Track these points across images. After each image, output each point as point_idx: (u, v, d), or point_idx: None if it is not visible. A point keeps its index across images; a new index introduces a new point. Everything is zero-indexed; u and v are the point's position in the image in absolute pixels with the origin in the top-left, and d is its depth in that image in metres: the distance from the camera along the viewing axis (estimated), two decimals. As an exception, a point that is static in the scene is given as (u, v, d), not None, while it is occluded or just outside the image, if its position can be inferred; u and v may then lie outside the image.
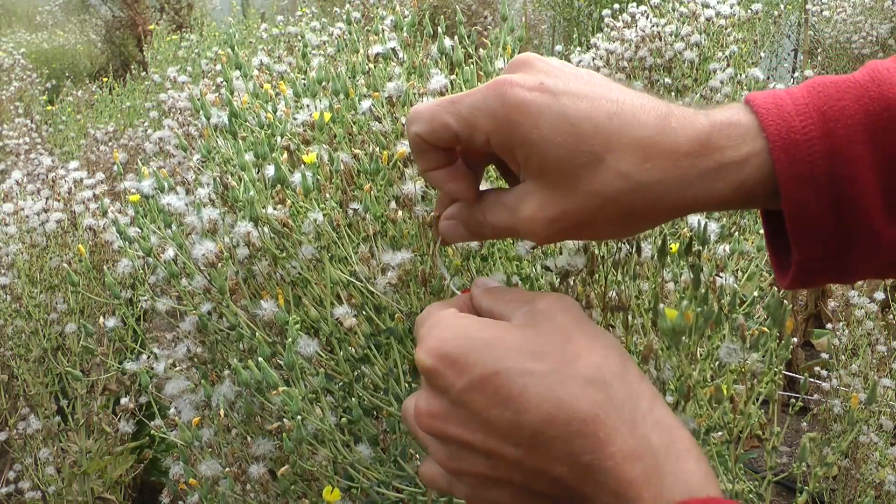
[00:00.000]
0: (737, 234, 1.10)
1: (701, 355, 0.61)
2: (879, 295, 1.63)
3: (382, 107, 0.79)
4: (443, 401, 0.42)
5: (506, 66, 0.46)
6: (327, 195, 0.73)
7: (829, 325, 1.74)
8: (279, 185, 0.72)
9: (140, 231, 0.86)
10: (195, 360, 0.88)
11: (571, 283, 0.60)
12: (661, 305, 0.45)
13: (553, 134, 0.41)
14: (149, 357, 0.92)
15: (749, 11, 2.25)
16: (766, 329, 0.60)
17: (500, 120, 0.43)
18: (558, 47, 2.65)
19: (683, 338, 0.57)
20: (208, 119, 0.85)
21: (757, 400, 0.62)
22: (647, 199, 0.42)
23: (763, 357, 0.60)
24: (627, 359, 0.43)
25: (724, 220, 1.10)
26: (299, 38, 2.01)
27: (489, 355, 0.41)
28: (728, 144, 0.41)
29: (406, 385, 0.74)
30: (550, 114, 0.41)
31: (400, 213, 0.70)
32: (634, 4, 2.27)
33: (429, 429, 0.43)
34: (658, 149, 0.41)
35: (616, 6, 2.56)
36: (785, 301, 0.59)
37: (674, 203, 0.42)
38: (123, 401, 1.10)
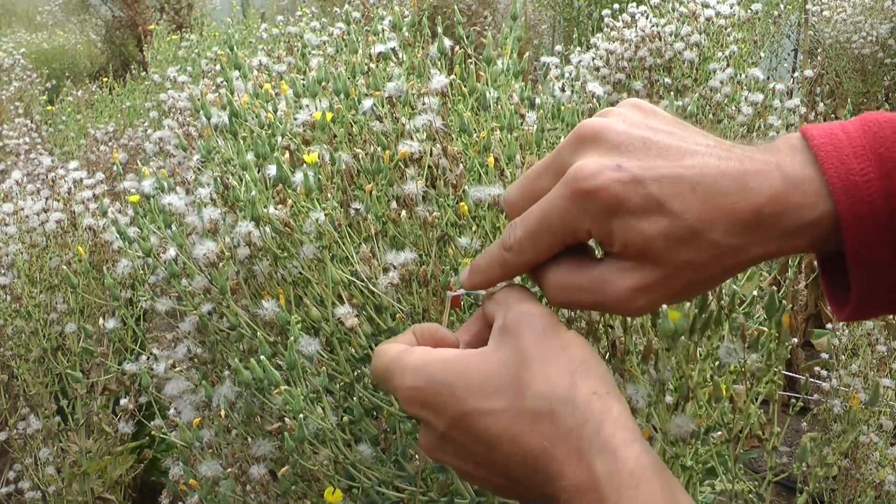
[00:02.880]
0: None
1: (700, 355, 0.61)
2: (879, 295, 1.63)
3: (383, 106, 0.79)
4: (433, 437, 0.47)
5: (570, 140, 0.46)
6: (328, 195, 0.73)
7: (829, 325, 1.74)
8: (280, 185, 0.72)
9: (140, 231, 0.86)
10: (195, 360, 0.87)
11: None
12: (664, 306, 0.45)
13: (648, 218, 0.43)
14: (149, 357, 0.92)
15: (749, 11, 2.25)
16: (765, 329, 0.60)
17: (597, 215, 0.44)
18: (558, 47, 2.65)
19: (683, 338, 0.57)
20: (208, 119, 0.85)
21: (756, 400, 0.62)
22: (736, 259, 0.44)
23: (762, 357, 0.60)
24: (581, 374, 0.44)
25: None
26: (299, 38, 2.01)
27: (453, 398, 0.45)
28: (804, 203, 0.42)
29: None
30: (641, 201, 0.43)
31: (402, 212, 0.70)
32: (634, 4, 2.27)
33: (432, 458, 0.49)
34: (743, 214, 0.43)
35: (616, 6, 2.56)
36: (783, 301, 0.59)
37: (758, 256, 0.44)
38: (123, 401, 1.10)
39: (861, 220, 0.41)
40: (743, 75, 1.93)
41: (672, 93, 1.98)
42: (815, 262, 0.48)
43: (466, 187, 0.71)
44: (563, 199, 0.44)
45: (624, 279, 0.45)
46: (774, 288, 0.56)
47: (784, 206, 0.42)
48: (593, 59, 2.12)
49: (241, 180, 0.76)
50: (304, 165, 0.73)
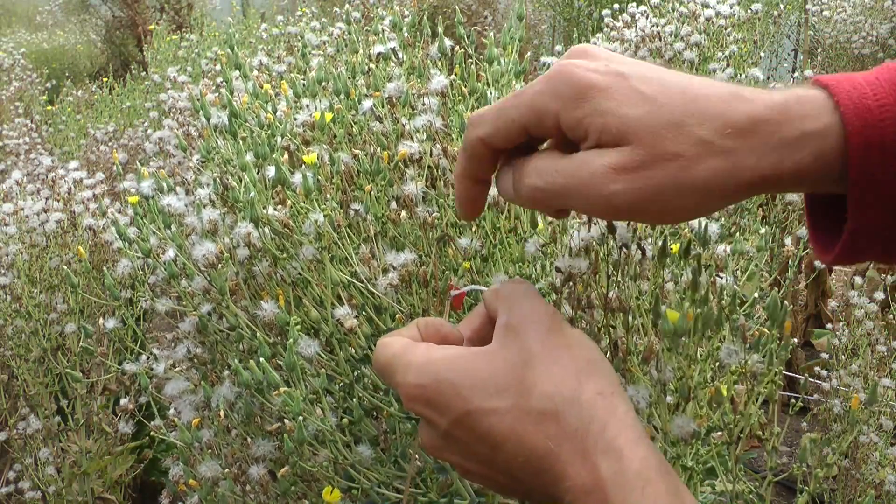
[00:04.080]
0: (737, 234, 1.10)
1: (701, 356, 0.61)
2: (879, 295, 1.63)
3: (383, 107, 0.79)
4: (436, 436, 0.47)
5: (564, 56, 0.46)
6: (328, 196, 0.73)
7: (829, 325, 1.75)
8: (279, 186, 0.72)
9: (139, 232, 0.86)
10: (195, 360, 0.87)
11: (572, 284, 0.60)
12: (663, 307, 0.45)
13: (630, 102, 0.42)
14: (148, 358, 0.92)
15: (749, 11, 2.25)
16: (766, 330, 0.60)
17: (569, 98, 0.43)
18: (558, 47, 2.65)
19: (683, 339, 0.57)
20: (208, 119, 0.85)
21: (757, 400, 0.62)
22: (726, 165, 0.41)
23: (763, 357, 0.60)
24: (586, 373, 0.44)
25: (724, 220, 1.10)
26: (299, 38, 2.01)
27: (458, 397, 0.45)
28: (808, 114, 0.41)
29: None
30: (623, 89, 0.42)
31: (402, 213, 0.70)
32: (634, 4, 2.27)
33: (433, 455, 0.50)
34: (736, 115, 0.41)
35: (616, 6, 2.56)
36: (785, 302, 0.59)
37: (753, 172, 0.41)
38: (123, 401, 1.10)
39: (869, 145, 0.40)
40: (743, 75, 1.93)
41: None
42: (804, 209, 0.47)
43: (466, 188, 0.71)
44: (540, 81, 0.44)
45: (602, 157, 0.42)
46: (776, 290, 0.56)
47: (784, 115, 0.41)
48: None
49: (241, 181, 0.76)
50: (304, 166, 0.73)
